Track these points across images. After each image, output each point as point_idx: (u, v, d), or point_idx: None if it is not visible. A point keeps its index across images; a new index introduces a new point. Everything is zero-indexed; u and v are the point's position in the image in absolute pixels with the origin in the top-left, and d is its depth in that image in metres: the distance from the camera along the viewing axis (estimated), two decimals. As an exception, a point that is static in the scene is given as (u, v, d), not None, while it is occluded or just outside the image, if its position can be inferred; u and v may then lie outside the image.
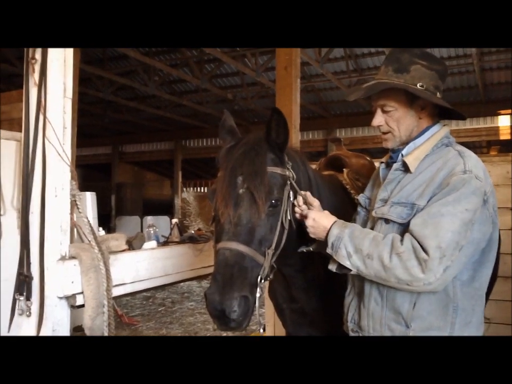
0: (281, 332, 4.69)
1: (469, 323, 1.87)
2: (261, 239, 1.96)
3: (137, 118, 17.20)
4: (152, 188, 21.95)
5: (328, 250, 1.91)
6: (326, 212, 2.05)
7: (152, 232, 3.51)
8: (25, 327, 2.00)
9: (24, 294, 1.97)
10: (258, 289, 1.91)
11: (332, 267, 1.96)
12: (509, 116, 13.83)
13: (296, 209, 2.10)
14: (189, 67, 12.00)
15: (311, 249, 2.21)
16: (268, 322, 4.92)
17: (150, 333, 6.93)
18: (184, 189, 16.82)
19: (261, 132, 2.15)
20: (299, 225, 2.20)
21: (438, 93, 1.98)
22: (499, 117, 14.05)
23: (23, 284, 1.97)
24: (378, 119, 2.03)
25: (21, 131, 2.09)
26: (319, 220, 1.98)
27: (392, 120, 1.99)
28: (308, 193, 2.11)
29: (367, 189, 2.28)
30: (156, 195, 21.05)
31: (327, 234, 1.93)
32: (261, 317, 1.96)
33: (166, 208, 18.41)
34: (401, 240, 1.76)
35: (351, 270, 1.88)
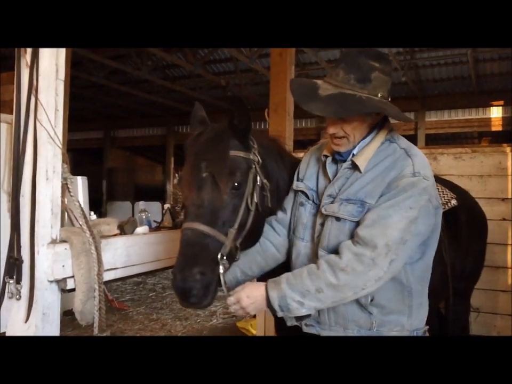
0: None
1: (421, 304, 2.02)
2: (224, 220, 2.01)
3: (130, 103, 17.05)
4: (144, 173, 21.86)
5: (280, 314, 1.88)
6: (247, 283, 2.02)
7: (144, 217, 3.52)
8: (15, 310, 1.99)
9: (14, 277, 1.95)
10: (221, 267, 1.94)
11: (291, 323, 1.96)
12: (501, 107, 13.89)
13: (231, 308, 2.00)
14: (182, 52, 11.89)
15: None
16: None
17: (140, 318, 6.94)
18: (176, 175, 16.76)
19: (226, 120, 2.19)
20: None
21: (389, 98, 1.98)
22: (491, 108, 14.10)
23: (13, 267, 1.95)
24: (335, 127, 1.97)
25: (12, 113, 2.06)
26: (253, 292, 1.92)
27: (350, 128, 1.96)
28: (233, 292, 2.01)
29: (306, 177, 2.21)
30: (148, 180, 20.98)
31: (268, 301, 1.87)
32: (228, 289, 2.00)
33: (157, 194, 18.36)
34: (339, 255, 1.83)
35: (310, 315, 1.89)
